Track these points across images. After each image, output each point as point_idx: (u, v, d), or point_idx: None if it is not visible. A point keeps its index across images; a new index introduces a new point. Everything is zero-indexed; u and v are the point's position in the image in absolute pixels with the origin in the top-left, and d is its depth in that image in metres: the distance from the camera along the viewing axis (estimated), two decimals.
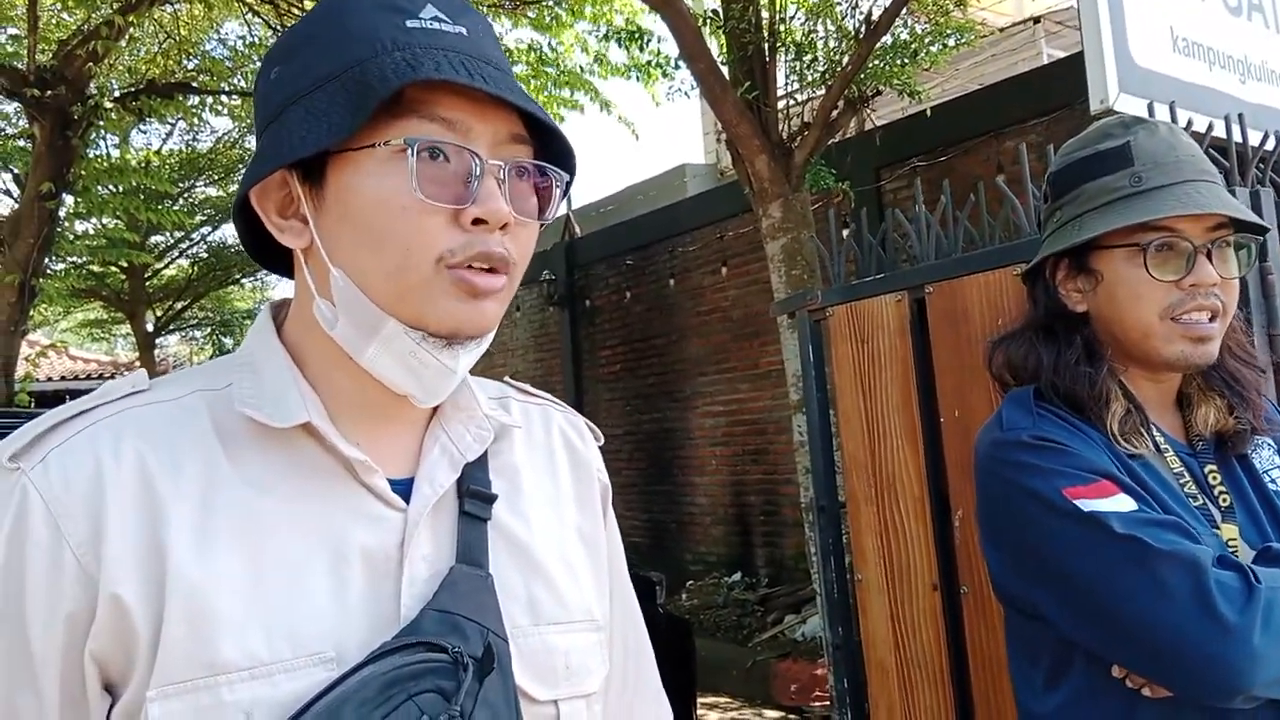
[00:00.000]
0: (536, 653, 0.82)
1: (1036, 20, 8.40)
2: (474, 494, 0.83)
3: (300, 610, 0.73)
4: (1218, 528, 1.23)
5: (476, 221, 0.74)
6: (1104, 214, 1.29)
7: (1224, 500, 1.26)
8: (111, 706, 0.71)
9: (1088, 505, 1.17)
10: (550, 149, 0.82)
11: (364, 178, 0.74)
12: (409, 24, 0.76)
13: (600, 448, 1.01)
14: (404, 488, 0.80)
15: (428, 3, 0.78)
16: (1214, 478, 1.28)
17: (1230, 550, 1.21)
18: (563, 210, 10.00)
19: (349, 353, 0.78)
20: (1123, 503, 1.17)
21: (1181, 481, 1.26)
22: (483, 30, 0.80)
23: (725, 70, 4.82)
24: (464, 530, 0.81)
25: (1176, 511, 1.21)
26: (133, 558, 0.70)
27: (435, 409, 0.86)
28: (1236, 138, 1.93)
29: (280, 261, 0.86)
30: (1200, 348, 1.25)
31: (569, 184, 0.83)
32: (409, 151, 0.73)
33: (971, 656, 1.92)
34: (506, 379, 1.00)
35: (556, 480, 0.93)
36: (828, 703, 5.39)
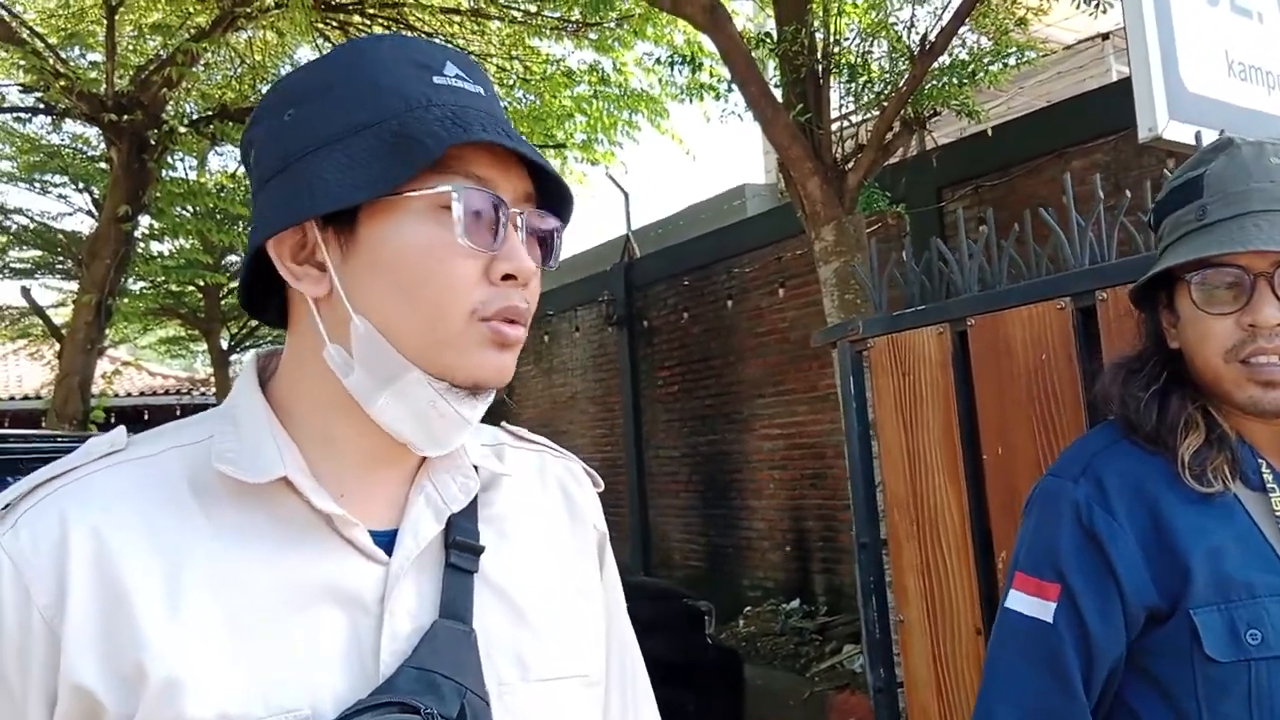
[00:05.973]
0: (525, 708, 0.80)
1: (1105, 37, 8.19)
2: (460, 545, 0.81)
3: (276, 668, 0.72)
4: None
5: (506, 277, 0.76)
6: (1175, 250, 1.24)
7: None
8: None
9: (1012, 600, 1.25)
10: (547, 195, 0.82)
11: (401, 227, 0.74)
12: (436, 80, 0.77)
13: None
14: (388, 539, 0.79)
15: (447, 60, 0.79)
16: None
17: None
18: (621, 230, 10.02)
19: (360, 401, 0.77)
20: (1041, 609, 1.22)
21: None
22: (492, 90, 0.82)
23: (779, 92, 4.78)
24: (448, 583, 0.80)
25: (1239, 560, 1.14)
26: (93, 641, 0.69)
27: (423, 459, 0.84)
28: None
29: (264, 310, 0.85)
30: (1272, 393, 1.17)
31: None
32: (455, 198, 0.74)
33: None
34: (503, 424, 0.98)
35: (549, 529, 0.92)
36: None
